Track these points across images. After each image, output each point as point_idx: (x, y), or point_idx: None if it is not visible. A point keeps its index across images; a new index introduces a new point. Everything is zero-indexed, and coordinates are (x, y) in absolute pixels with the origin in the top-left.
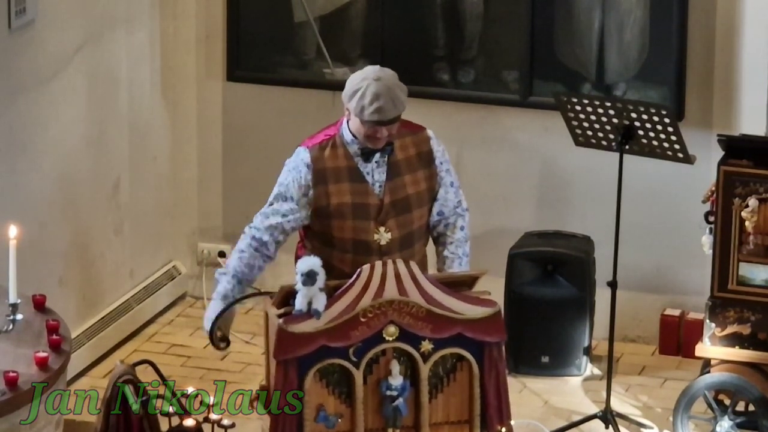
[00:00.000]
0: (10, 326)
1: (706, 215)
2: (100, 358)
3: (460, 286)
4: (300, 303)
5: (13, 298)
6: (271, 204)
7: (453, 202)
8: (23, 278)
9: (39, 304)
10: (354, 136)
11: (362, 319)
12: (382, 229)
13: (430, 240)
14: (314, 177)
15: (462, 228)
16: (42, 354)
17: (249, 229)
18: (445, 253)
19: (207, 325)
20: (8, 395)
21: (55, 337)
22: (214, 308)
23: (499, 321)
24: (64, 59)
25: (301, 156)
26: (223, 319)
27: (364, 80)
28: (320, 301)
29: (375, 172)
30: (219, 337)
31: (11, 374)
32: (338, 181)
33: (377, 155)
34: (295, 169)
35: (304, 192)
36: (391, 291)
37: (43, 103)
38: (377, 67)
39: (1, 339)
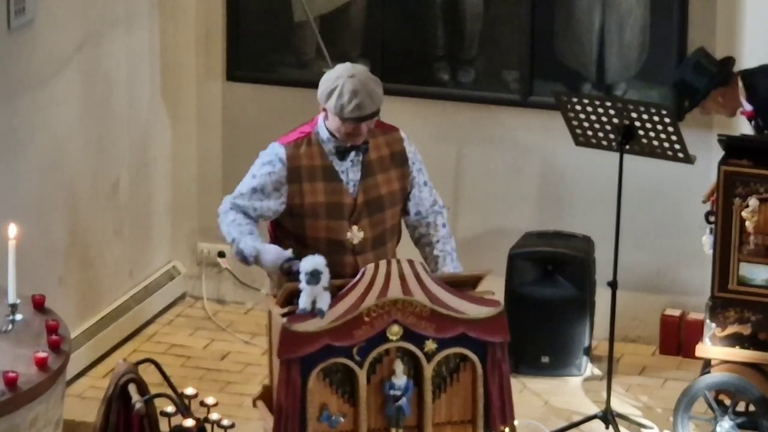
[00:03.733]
0: (10, 326)
1: (707, 215)
2: (99, 358)
3: (464, 285)
4: (304, 302)
5: (12, 298)
6: (242, 192)
7: (429, 200)
8: (23, 278)
9: (38, 304)
10: (331, 134)
11: (366, 319)
12: (355, 228)
13: (403, 240)
14: (289, 174)
15: (444, 225)
16: (41, 354)
17: (225, 207)
18: (435, 252)
19: (278, 261)
20: (8, 395)
21: (54, 337)
22: (268, 251)
23: (502, 321)
24: (63, 59)
25: (277, 151)
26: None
27: (339, 78)
28: (324, 301)
29: (350, 171)
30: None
31: (11, 374)
32: (312, 179)
33: (352, 154)
34: (269, 163)
35: (276, 187)
36: (395, 290)
37: (43, 103)
38: (348, 64)
39: (0, 339)
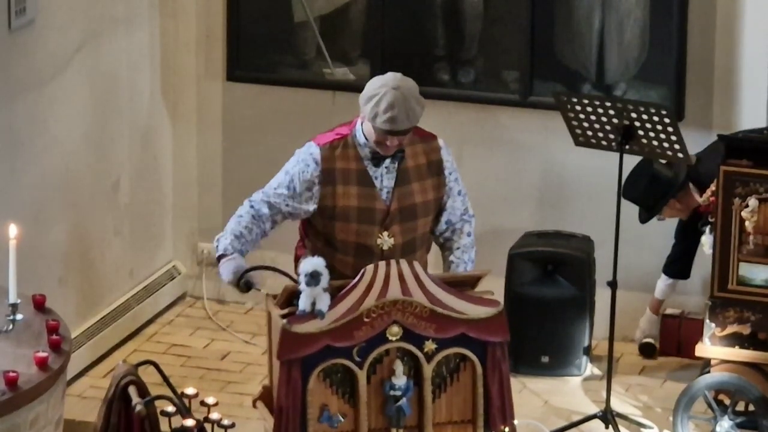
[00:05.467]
0: (10, 326)
1: (706, 215)
2: (100, 358)
3: (463, 286)
4: (304, 303)
5: (13, 298)
6: (274, 188)
7: (460, 210)
8: (23, 278)
9: (39, 304)
10: (366, 138)
11: (366, 320)
12: (385, 234)
13: (433, 247)
14: (322, 176)
15: (469, 234)
16: (42, 354)
17: (248, 201)
18: (451, 258)
19: (229, 276)
20: (8, 395)
21: (55, 337)
22: (227, 266)
23: (502, 321)
24: (64, 59)
25: (312, 151)
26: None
27: (383, 86)
28: (324, 302)
29: (384, 178)
30: (244, 284)
31: (11, 374)
32: (346, 183)
33: (387, 161)
34: (303, 162)
35: (308, 186)
36: (394, 291)
37: (43, 103)
38: (399, 75)
39: (1, 339)
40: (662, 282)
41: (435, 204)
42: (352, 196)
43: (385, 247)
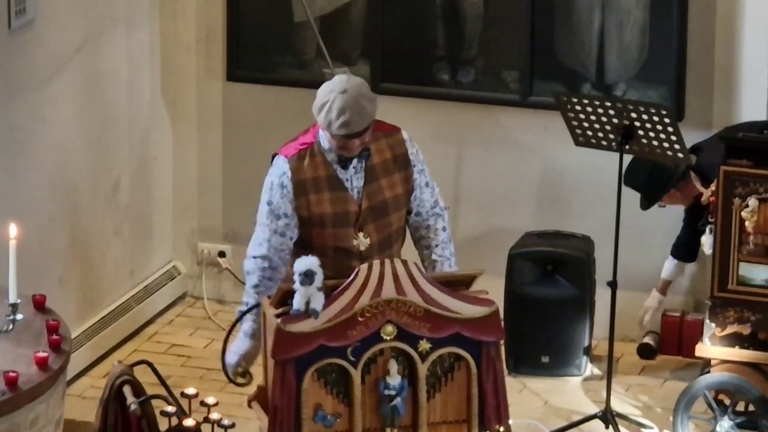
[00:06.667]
0: (10, 326)
1: (707, 215)
2: (100, 358)
3: (458, 285)
4: (298, 303)
5: (13, 298)
6: (266, 225)
7: (429, 202)
8: (23, 278)
9: (39, 304)
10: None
11: (360, 319)
12: (360, 234)
13: (407, 241)
14: (295, 188)
15: (444, 229)
16: (42, 354)
17: (252, 262)
18: (433, 256)
19: (231, 359)
20: (8, 395)
21: (55, 337)
22: (239, 345)
23: (496, 320)
24: (64, 59)
25: (282, 168)
26: (245, 355)
27: (331, 93)
28: (318, 301)
29: (353, 179)
30: (240, 373)
31: (11, 374)
32: (318, 191)
33: (354, 161)
34: (280, 186)
35: (294, 206)
36: (388, 290)
37: (43, 103)
38: (345, 77)
39: (1, 339)
40: (669, 262)
41: (405, 197)
42: (325, 202)
43: (362, 248)
